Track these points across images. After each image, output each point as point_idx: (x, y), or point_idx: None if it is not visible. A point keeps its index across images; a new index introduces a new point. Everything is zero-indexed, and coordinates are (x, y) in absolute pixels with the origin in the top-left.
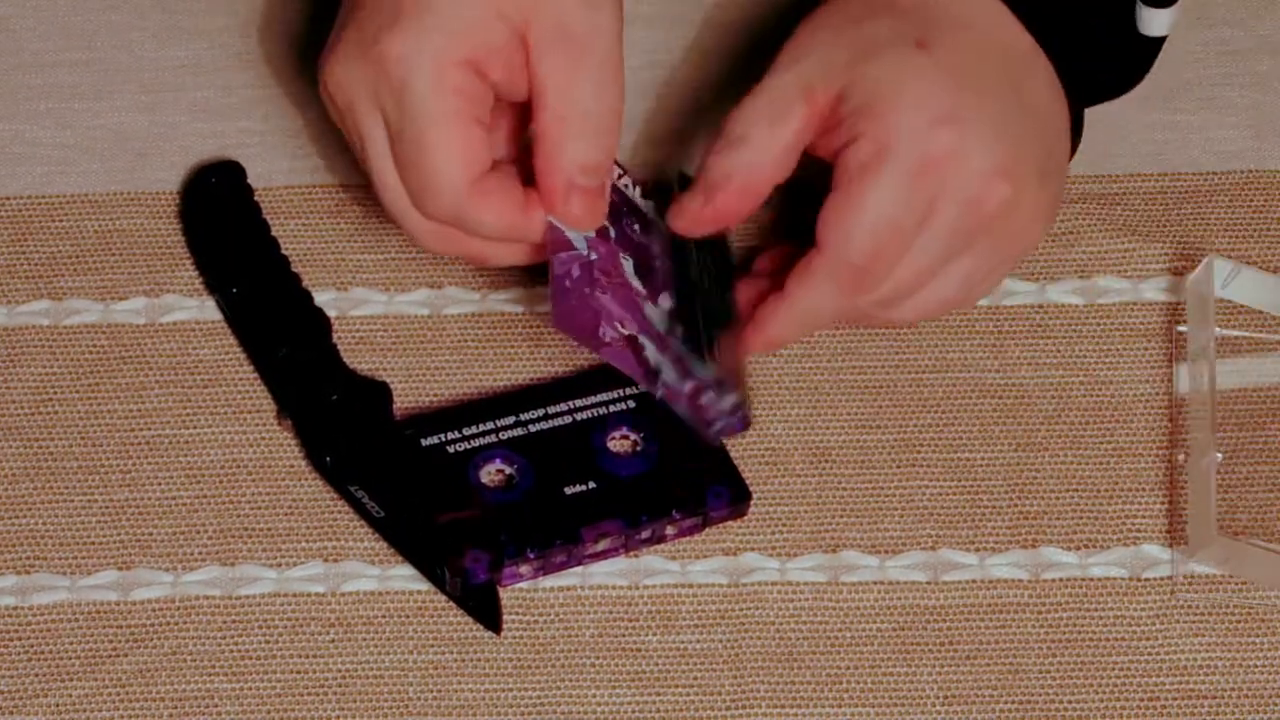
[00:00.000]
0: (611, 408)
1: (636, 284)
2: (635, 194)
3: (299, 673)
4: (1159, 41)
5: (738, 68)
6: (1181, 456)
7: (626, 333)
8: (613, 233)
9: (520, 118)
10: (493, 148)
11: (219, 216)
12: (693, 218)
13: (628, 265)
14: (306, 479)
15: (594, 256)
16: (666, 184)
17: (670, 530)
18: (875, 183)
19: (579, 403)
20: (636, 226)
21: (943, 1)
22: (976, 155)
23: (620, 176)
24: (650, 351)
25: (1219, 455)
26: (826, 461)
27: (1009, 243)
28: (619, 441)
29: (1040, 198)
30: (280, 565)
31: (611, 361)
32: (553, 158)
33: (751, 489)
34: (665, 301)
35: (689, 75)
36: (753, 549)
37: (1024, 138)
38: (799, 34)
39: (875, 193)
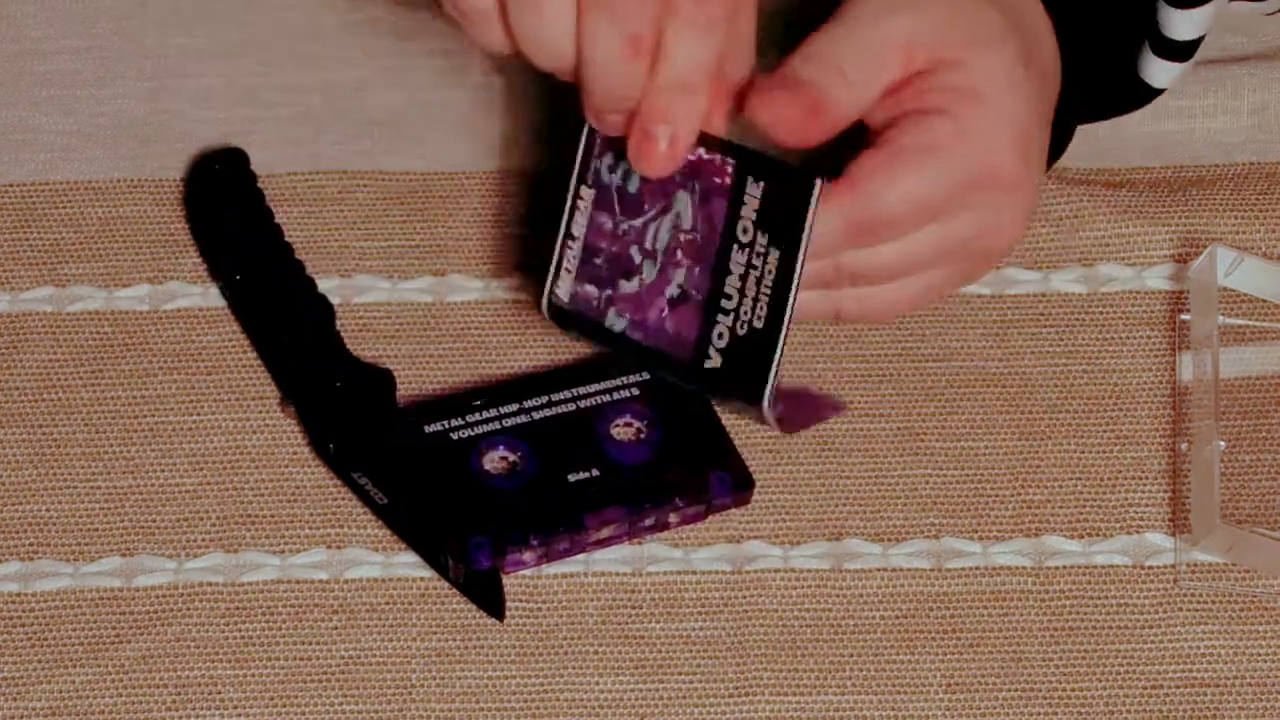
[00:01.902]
0: (615, 395)
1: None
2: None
3: (302, 659)
4: (1158, 92)
5: None
6: (1184, 445)
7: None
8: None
9: None
10: None
11: (222, 203)
12: (771, 109)
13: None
14: (310, 466)
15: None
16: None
17: (673, 517)
18: (939, 161)
19: (582, 390)
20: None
21: (1023, 5)
22: (1022, 195)
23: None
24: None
25: (1222, 444)
26: (830, 449)
27: (974, 277)
28: (622, 429)
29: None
30: (283, 552)
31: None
32: None
33: (755, 476)
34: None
35: None
36: (756, 536)
37: (1039, 187)
38: None
39: (933, 169)
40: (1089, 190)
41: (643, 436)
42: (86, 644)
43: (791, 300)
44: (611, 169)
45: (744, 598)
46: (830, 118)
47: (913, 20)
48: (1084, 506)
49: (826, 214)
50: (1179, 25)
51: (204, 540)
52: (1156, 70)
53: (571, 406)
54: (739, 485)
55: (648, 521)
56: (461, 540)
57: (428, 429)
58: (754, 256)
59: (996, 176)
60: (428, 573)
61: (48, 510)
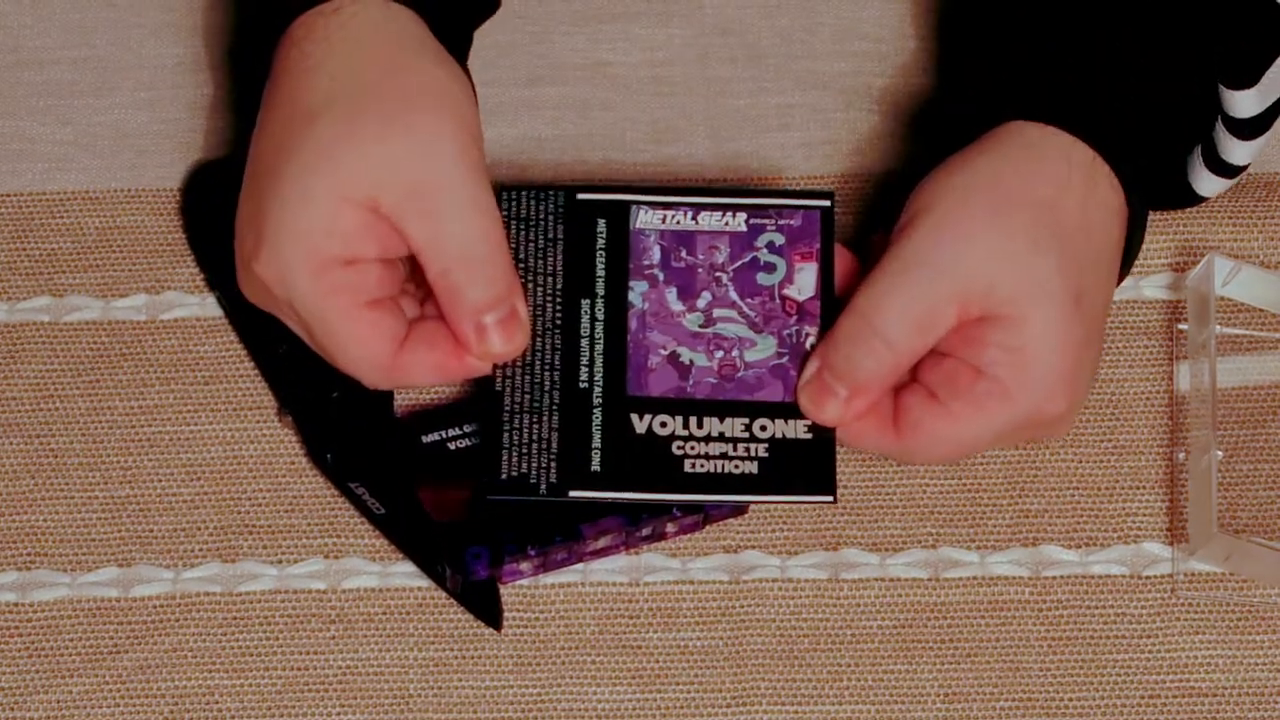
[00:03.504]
0: None
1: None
2: (690, 220)
3: (299, 669)
4: (1201, 199)
5: (737, 64)
6: (1182, 454)
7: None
8: (660, 275)
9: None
10: (405, 307)
11: (219, 213)
12: (830, 412)
13: (671, 294)
14: (307, 476)
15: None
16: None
17: (671, 527)
18: (987, 415)
19: None
20: (683, 251)
21: (1071, 208)
22: (1067, 420)
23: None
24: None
25: (1219, 453)
26: None
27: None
28: None
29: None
30: (281, 562)
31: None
32: (454, 309)
33: None
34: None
35: (687, 73)
36: (753, 546)
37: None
38: (946, 223)
39: (981, 422)
40: None
41: None
42: (84, 654)
43: None
44: None
45: (741, 607)
46: (875, 392)
47: (965, 279)
48: (1081, 516)
49: (871, 438)
50: (1236, 152)
51: (201, 550)
52: (1206, 183)
53: None
54: None
55: (645, 531)
56: (459, 550)
57: (425, 439)
58: None
59: (1041, 419)
60: (425, 582)
61: (45, 520)
